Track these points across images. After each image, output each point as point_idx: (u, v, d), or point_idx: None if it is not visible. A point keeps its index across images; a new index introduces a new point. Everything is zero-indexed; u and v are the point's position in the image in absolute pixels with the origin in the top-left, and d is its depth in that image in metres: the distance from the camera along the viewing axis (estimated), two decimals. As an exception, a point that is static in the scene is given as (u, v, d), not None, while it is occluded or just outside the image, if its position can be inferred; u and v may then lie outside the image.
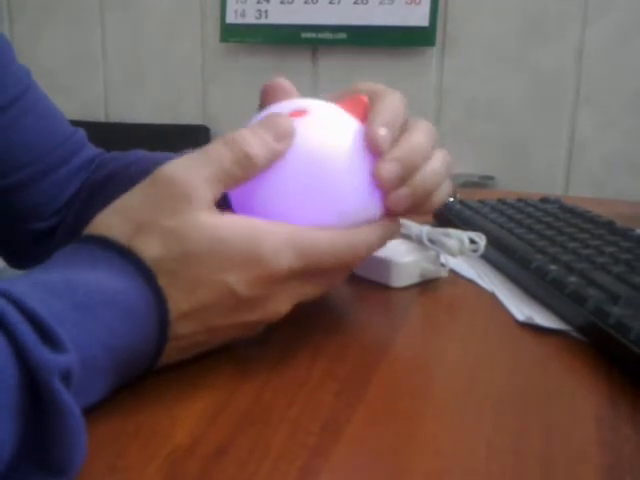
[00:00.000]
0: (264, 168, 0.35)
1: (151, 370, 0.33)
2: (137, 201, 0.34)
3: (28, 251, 0.58)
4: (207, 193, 0.33)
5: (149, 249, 0.32)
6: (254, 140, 0.35)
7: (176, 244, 0.32)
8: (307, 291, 0.36)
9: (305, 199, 0.36)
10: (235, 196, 0.37)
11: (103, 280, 0.30)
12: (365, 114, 0.39)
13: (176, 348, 0.33)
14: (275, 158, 0.36)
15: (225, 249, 0.33)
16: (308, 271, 0.35)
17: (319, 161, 0.36)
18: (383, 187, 0.37)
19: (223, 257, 0.32)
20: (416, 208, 0.40)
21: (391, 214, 0.39)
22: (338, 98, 0.41)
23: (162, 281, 0.32)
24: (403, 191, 0.38)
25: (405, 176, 0.37)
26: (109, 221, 0.33)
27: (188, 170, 0.33)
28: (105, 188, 0.56)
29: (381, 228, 0.38)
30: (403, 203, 0.38)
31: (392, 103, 0.39)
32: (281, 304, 0.35)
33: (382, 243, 0.39)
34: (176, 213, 0.32)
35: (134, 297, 0.31)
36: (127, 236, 0.32)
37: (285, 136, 0.36)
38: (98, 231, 0.33)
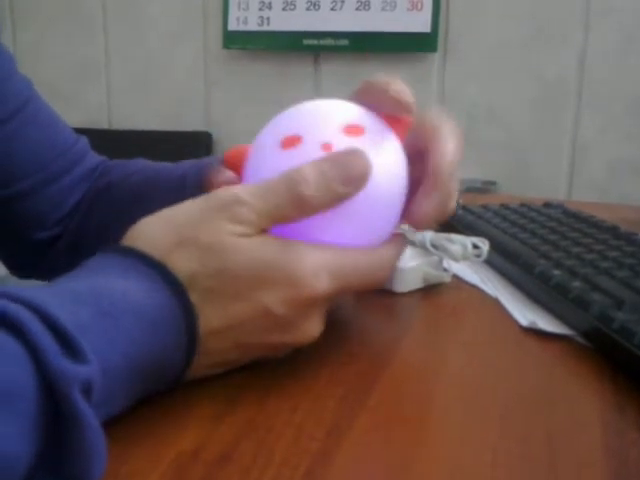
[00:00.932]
0: (323, 210, 0.34)
1: (179, 384, 0.33)
2: (185, 215, 0.33)
3: (31, 260, 0.58)
4: (254, 224, 0.33)
5: (185, 264, 0.32)
6: (317, 181, 0.33)
7: (213, 261, 0.32)
8: (331, 304, 0.36)
9: (344, 222, 0.35)
10: None
11: (131, 290, 0.30)
12: (405, 134, 0.38)
13: (205, 364, 0.33)
14: (339, 201, 0.34)
15: (264, 268, 0.32)
16: (342, 292, 0.35)
17: (367, 187, 0.34)
18: (414, 226, 0.38)
19: (261, 276, 0.32)
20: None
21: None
22: (359, 99, 0.38)
23: (195, 297, 0.31)
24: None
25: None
26: (152, 231, 0.33)
27: (243, 199, 0.33)
28: (105, 197, 0.56)
29: (402, 244, 0.39)
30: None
31: (451, 156, 0.37)
32: (314, 326, 0.34)
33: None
34: (218, 233, 0.32)
35: (160, 310, 0.30)
36: (166, 249, 0.32)
37: (358, 181, 0.34)
38: (140, 240, 0.33)
